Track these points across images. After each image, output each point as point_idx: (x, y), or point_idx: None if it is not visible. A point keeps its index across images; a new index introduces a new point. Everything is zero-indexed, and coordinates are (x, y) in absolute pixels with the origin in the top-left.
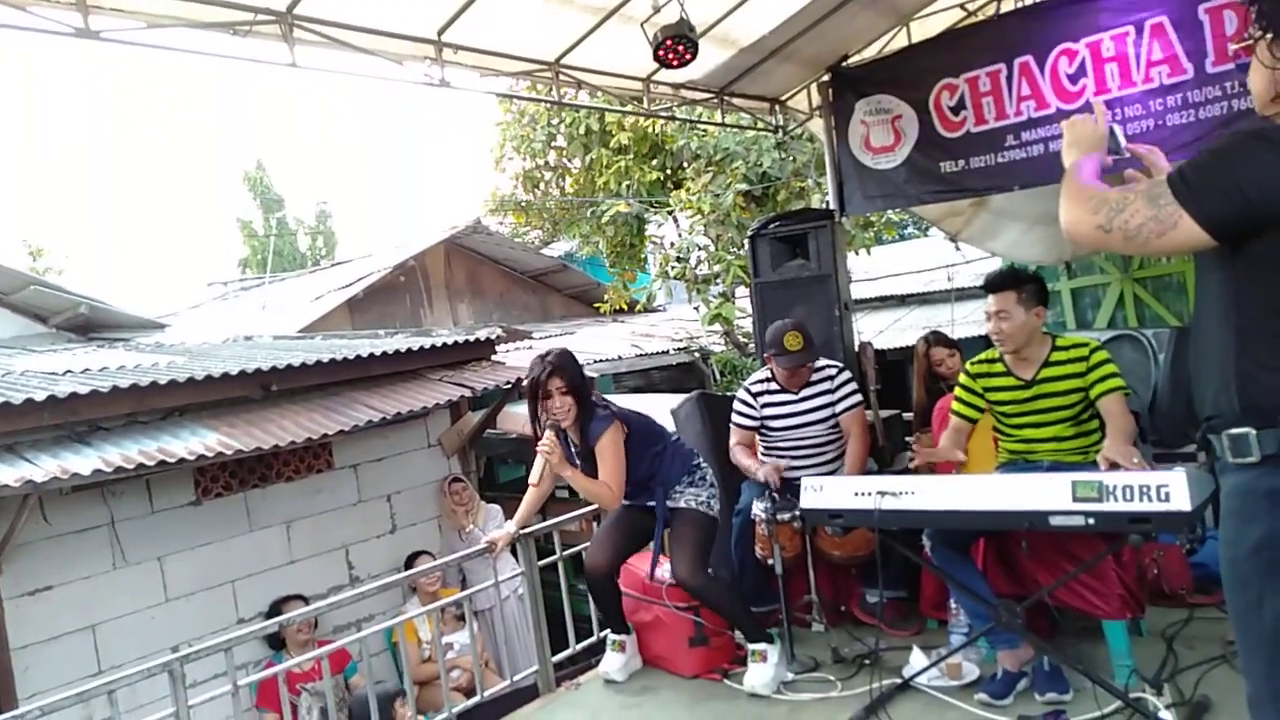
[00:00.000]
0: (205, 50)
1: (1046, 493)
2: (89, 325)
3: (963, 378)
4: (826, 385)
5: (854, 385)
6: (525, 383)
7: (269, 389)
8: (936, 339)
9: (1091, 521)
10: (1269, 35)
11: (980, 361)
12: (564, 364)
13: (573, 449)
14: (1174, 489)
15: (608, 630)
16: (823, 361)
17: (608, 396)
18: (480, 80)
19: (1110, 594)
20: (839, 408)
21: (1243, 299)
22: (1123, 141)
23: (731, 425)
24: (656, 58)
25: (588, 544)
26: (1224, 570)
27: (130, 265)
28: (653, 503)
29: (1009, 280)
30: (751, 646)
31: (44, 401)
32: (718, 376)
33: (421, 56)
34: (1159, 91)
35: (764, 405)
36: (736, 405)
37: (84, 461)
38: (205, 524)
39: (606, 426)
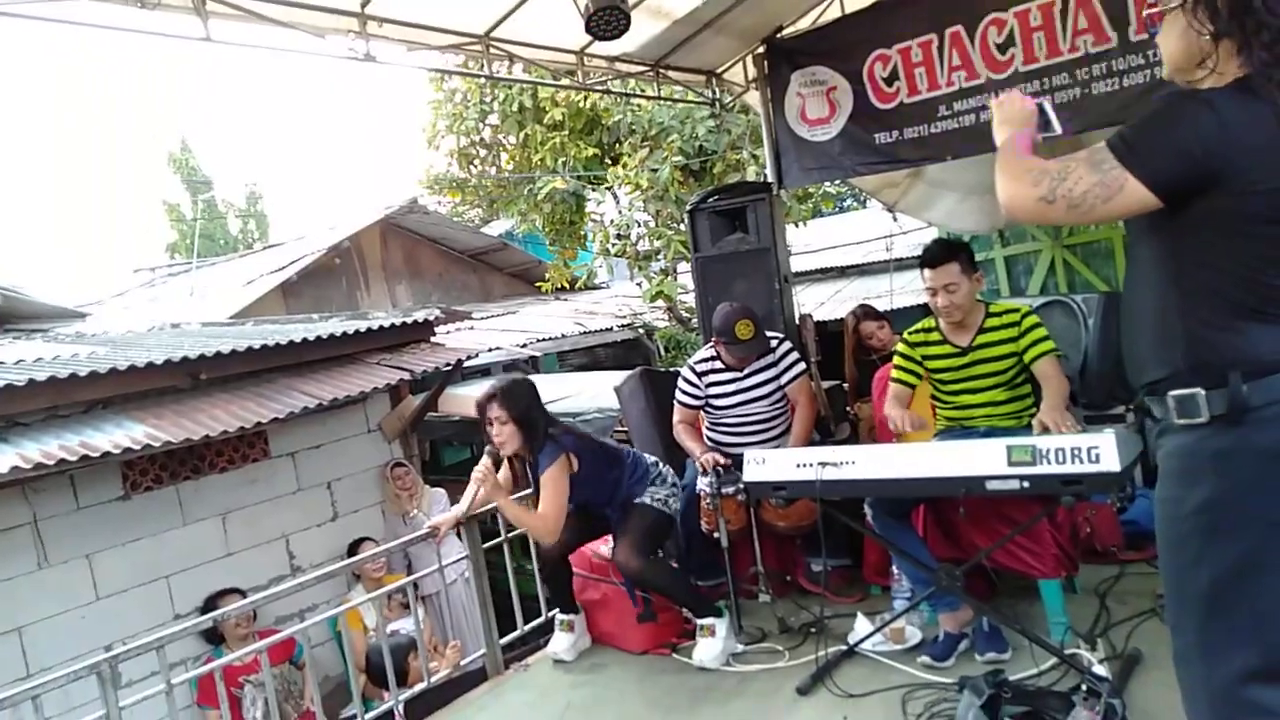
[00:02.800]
0: (111, 24)
1: (982, 458)
2: (5, 316)
3: (901, 346)
4: (769, 359)
5: (797, 355)
6: (477, 409)
7: (198, 378)
8: (865, 313)
9: (1026, 485)
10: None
11: (917, 331)
12: (510, 392)
13: (529, 472)
14: (1104, 450)
15: (556, 610)
16: (770, 333)
17: (551, 378)
18: (407, 55)
19: (1045, 554)
20: (784, 379)
21: (1184, 261)
22: (1052, 116)
23: (675, 403)
24: (588, 29)
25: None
26: (1160, 528)
27: (52, 253)
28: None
29: (952, 251)
30: (700, 621)
31: None
32: (662, 352)
33: (344, 30)
34: (1084, 60)
35: (709, 385)
36: (680, 384)
37: (2, 458)
38: (136, 519)
39: (553, 460)
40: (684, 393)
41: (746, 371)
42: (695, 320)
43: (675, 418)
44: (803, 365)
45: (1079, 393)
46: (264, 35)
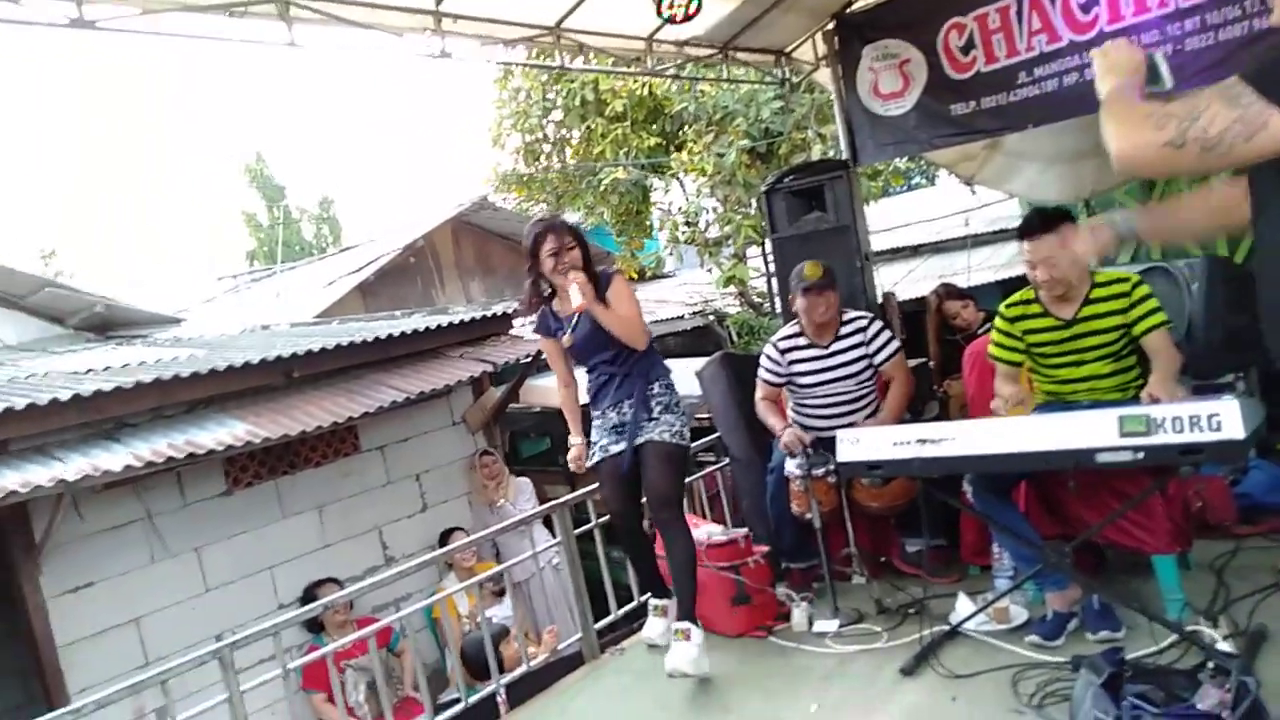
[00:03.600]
0: (201, 34)
1: (1092, 430)
2: (106, 324)
3: (999, 321)
4: (859, 338)
5: (890, 333)
6: (528, 244)
7: (291, 376)
8: (948, 292)
9: (1141, 456)
10: None
11: (1016, 304)
12: (565, 221)
13: (562, 321)
14: (1226, 417)
15: (648, 595)
16: (852, 313)
17: None
18: (480, 49)
19: (1158, 529)
20: (878, 358)
21: None
22: (1163, 68)
23: (757, 380)
24: (659, 13)
25: None
26: None
27: (137, 263)
28: (624, 408)
29: (1050, 223)
30: (676, 626)
31: (69, 401)
32: (734, 338)
33: (421, 28)
34: (1175, 16)
35: (791, 361)
36: (763, 360)
37: (114, 458)
38: (238, 513)
39: (614, 274)
40: (766, 370)
41: (831, 349)
42: (767, 305)
43: (757, 394)
44: (897, 342)
45: (1186, 362)
46: (345, 37)
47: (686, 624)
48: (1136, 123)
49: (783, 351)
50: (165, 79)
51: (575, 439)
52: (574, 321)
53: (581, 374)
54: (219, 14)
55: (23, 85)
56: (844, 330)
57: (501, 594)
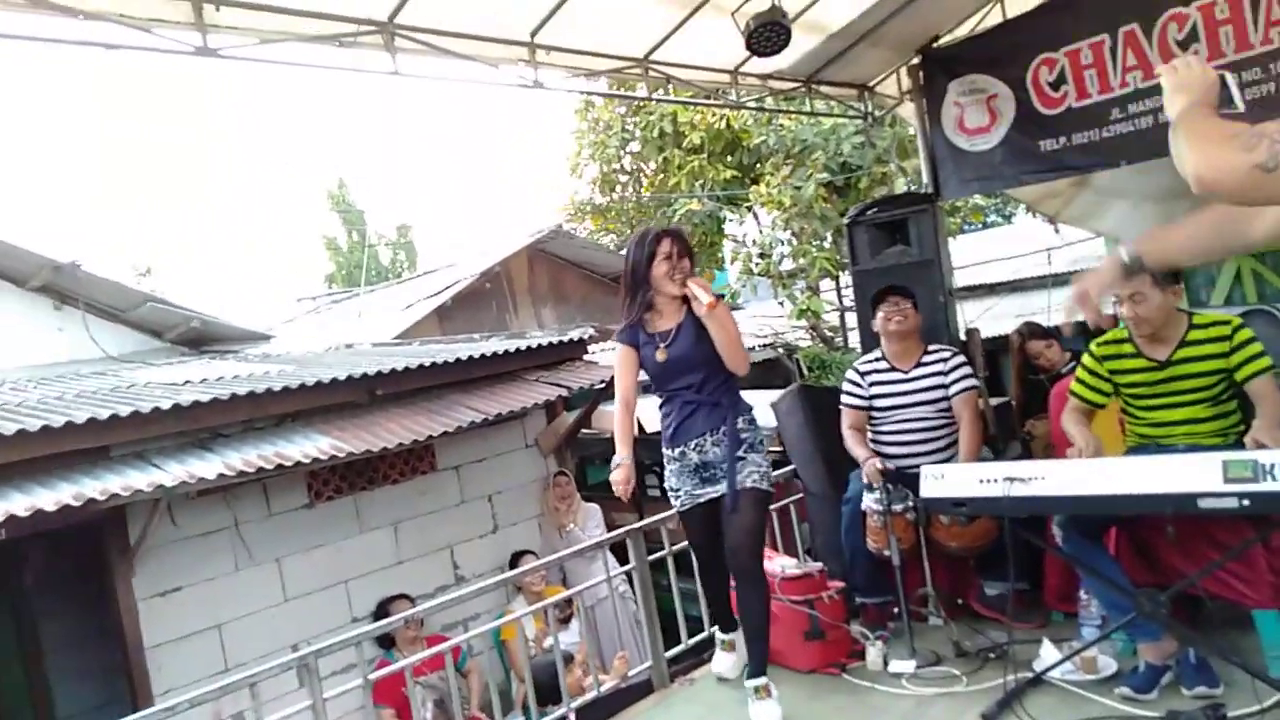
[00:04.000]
0: (312, 63)
1: (1194, 473)
2: (200, 339)
3: (1087, 360)
4: (939, 367)
5: (969, 369)
6: (640, 249)
7: (374, 394)
8: (1031, 331)
9: (1246, 503)
10: None
11: (1107, 342)
12: (680, 232)
13: (653, 336)
14: None
15: (716, 628)
16: (936, 345)
17: None
18: (570, 80)
19: (1260, 581)
20: (952, 390)
21: None
22: (1234, 90)
23: (842, 407)
24: (748, 46)
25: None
26: None
27: (218, 283)
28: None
29: (1138, 259)
30: (755, 684)
31: (169, 410)
32: (805, 372)
33: (515, 59)
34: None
35: (872, 384)
36: (845, 385)
37: (208, 466)
38: (319, 526)
39: (719, 296)
40: (848, 394)
41: (912, 374)
42: (839, 339)
43: (844, 423)
44: (973, 380)
45: None
46: (445, 68)
47: (765, 680)
48: (1220, 142)
49: (863, 374)
50: (252, 100)
51: (624, 458)
52: (671, 337)
53: (646, 405)
54: (329, 44)
55: (120, 105)
56: (926, 359)
57: (568, 620)
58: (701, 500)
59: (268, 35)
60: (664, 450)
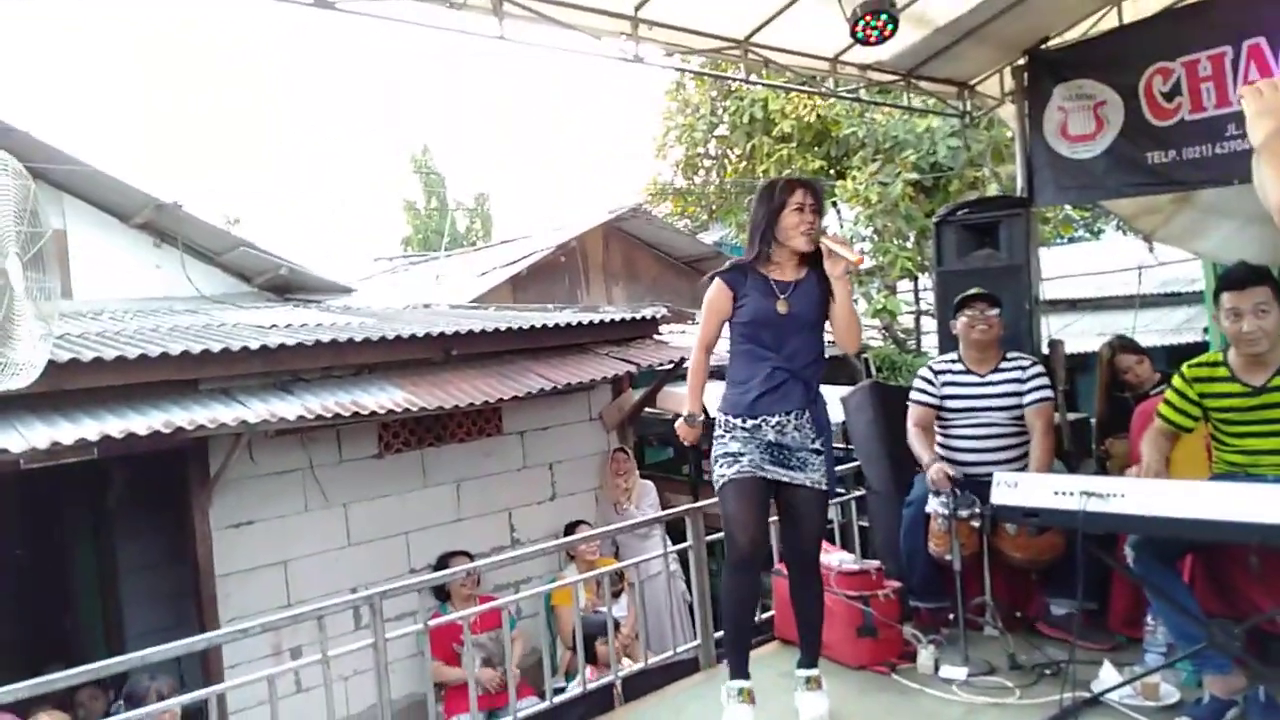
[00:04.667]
0: (422, 21)
1: None
2: (287, 286)
3: (1177, 381)
4: (1016, 374)
5: (1046, 380)
6: (771, 192)
7: (449, 353)
8: (1122, 345)
9: None
10: None
11: (1200, 364)
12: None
13: (772, 286)
14: None
15: (729, 679)
16: (1015, 353)
17: None
18: (669, 58)
19: None
20: (1026, 399)
21: None
22: None
23: (910, 403)
24: (853, 34)
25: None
26: None
27: (301, 236)
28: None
29: (1262, 275)
30: (808, 674)
31: (256, 351)
32: (874, 371)
33: (618, 32)
34: None
35: (945, 384)
36: (916, 382)
37: (289, 407)
38: (386, 476)
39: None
40: (919, 390)
41: (987, 377)
42: (912, 341)
43: (910, 419)
44: (1049, 392)
45: None
46: (549, 36)
47: (817, 671)
48: None
49: (938, 373)
50: (345, 61)
51: (693, 416)
52: (791, 289)
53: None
54: (440, 4)
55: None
56: (1004, 365)
57: (619, 594)
58: (764, 476)
59: None
60: (726, 417)
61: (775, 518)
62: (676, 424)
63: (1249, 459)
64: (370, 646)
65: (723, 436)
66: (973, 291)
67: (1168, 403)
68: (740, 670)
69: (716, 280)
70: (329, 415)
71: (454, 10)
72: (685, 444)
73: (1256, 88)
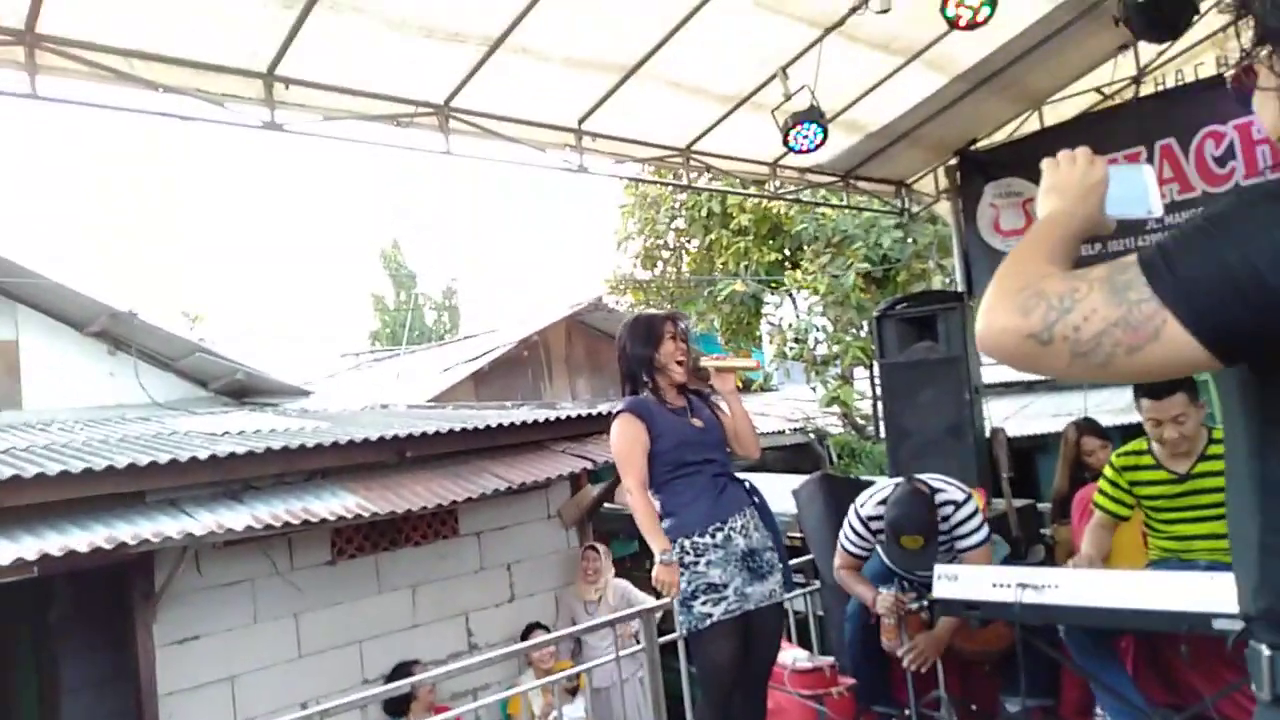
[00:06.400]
0: (371, 140)
1: (1210, 592)
2: (244, 390)
3: (1108, 471)
4: (943, 525)
5: (976, 520)
6: (647, 330)
7: (404, 455)
8: (1089, 427)
9: None
10: (1270, 48)
11: (1127, 453)
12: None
13: (676, 410)
14: None
15: None
16: (940, 496)
17: None
18: (614, 166)
19: None
20: (958, 546)
21: (1267, 451)
22: (1149, 189)
23: (839, 547)
24: (786, 143)
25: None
26: None
27: (269, 333)
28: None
29: (1178, 382)
30: None
31: (205, 460)
32: (834, 458)
33: (562, 144)
34: None
35: (879, 541)
36: (846, 530)
37: (237, 517)
38: (339, 584)
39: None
40: (850, 541)
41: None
42: (870, 428)
43: (837, 561)
44: (983, 533)
45: None
46: (494, 149)
47: None
48: (1006, 293)
49: (873, 532)
50: (319, 161)
51: (667, 553)
52: (688, 411)
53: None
54: (388, 123)
55: (186, 158)
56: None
57: (574, 692)
58: (748, 608)
59: (331, 113)
60: (690, 540)
61: None
62: (654, 573)
63: (1181, 544)
64: None
65: (695, 563)
66: (899, 549)
67: (1102, 492)
68: None
69: (625, 415)
70: (279, 524)
71: (401, 129)
72: (669, 595)
73: (1056, 159)
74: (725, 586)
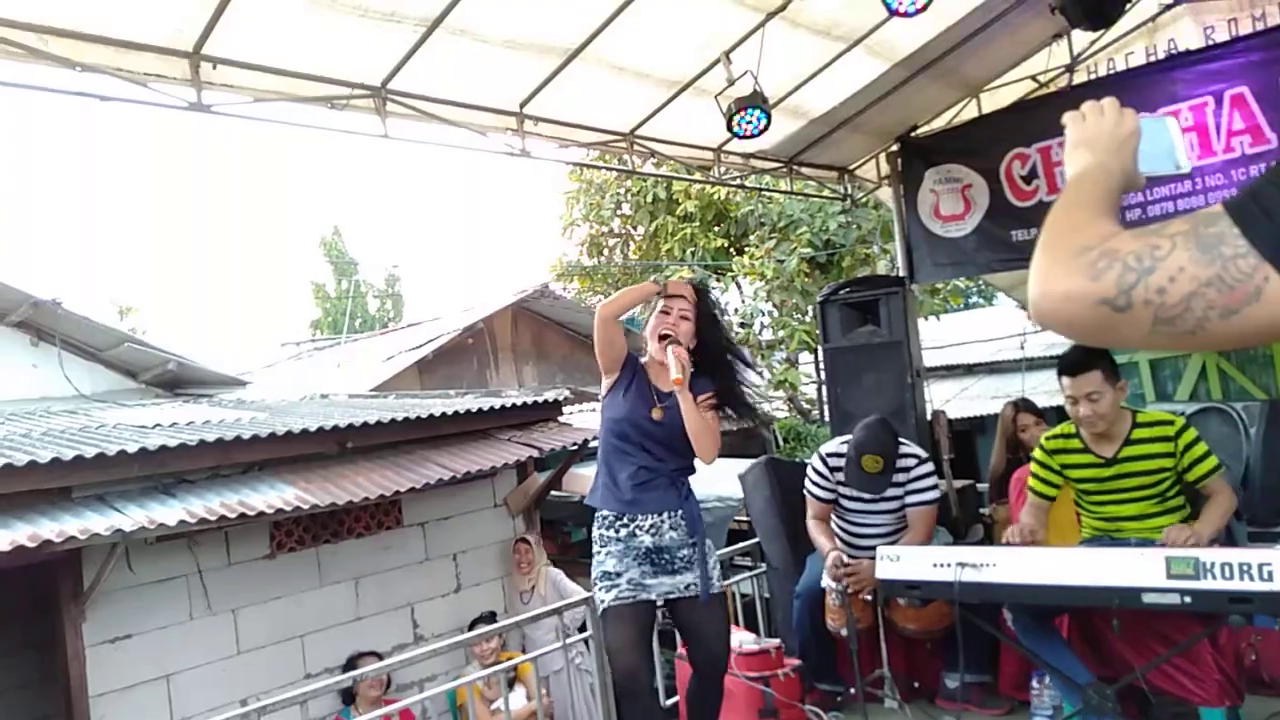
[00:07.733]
0: (305, 123)
1: (1139, 568)
2: (176, 381)
3: (1038, 453)
4: (901, 476)
5: (932, 480)
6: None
7: (345, 446)
8: (1024, 405)
9: (1188, 600)
10: None
11: (1055, 437)
12: (707, 290)
13: (652, 393)
14: (1278, 568)
15: None
16: (904, 449)
17: None
18: (558, 150)
19: (1207, 679)
20: (909, 500)
21: None
22: (1176, 144)
23: (806, 494)
24: (729, 129)
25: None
26: None
27: (206, 323)
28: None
29: (1093, 358)
30: None
31: (135, 454)
32: (780, 443)
33: (503, 128)
34: (1241, 161)
35: (839, 481)
36: (810, 474)
37: (170, 512)
38: (278, 578)
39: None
40: (814, 484)
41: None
42: (816, 412)
43: (809, 511)
44: (935, 494)
45: (1242, 508)
46: (434, 133)
47: None
48: (1069, 254)
49: (831, 469)
50: (255, 147)
51: (652, 289)
52: (668, 399)
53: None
54: (321, 105)
55: (113, 144)
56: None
57: (512, 684)
58: (645, 597)
59: (261, 94)
60: (602, 513)
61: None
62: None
63: (1111, 525)
64: None
65: (599, 549)
66: (859, 472)
67: (1034, 474)
68: None
69: (620, 368)
70: (214, 519)
71: (336, 112)
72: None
73: (1081, 111)
74: (619, 575)
